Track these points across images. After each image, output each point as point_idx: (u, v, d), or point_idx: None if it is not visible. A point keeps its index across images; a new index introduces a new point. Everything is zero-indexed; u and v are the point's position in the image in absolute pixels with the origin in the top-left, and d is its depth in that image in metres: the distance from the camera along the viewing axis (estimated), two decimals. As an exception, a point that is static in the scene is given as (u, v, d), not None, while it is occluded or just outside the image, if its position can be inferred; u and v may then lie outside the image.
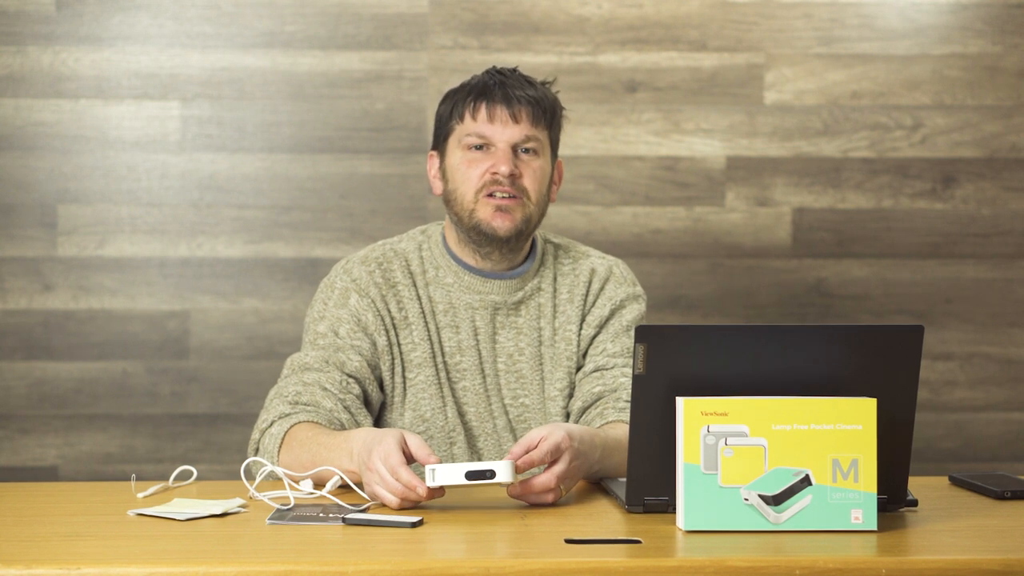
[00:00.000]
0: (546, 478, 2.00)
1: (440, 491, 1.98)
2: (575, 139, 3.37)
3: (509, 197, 2.32)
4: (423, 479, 1.96)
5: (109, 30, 3.32)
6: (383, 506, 2.00)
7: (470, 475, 1.94)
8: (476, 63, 3.32)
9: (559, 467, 2.01)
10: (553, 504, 2.02)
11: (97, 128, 3.33)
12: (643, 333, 1.90)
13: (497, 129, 2.33)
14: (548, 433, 2.02)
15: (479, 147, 2.34)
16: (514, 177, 2.32)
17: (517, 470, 1.97)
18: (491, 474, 1.94)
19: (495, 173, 2.32)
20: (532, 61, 3.33)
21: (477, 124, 2.34)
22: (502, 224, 2.33)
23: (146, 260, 3.34)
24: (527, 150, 2.34)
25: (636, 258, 3.37)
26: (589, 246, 2.57)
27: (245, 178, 3.35)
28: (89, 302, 3.34)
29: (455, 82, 2.44)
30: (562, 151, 3.35)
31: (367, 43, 3.35)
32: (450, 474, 1.94)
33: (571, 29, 3.37)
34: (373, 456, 1.99)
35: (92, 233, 3.33)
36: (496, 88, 2.35)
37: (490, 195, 2.32)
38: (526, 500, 2.01)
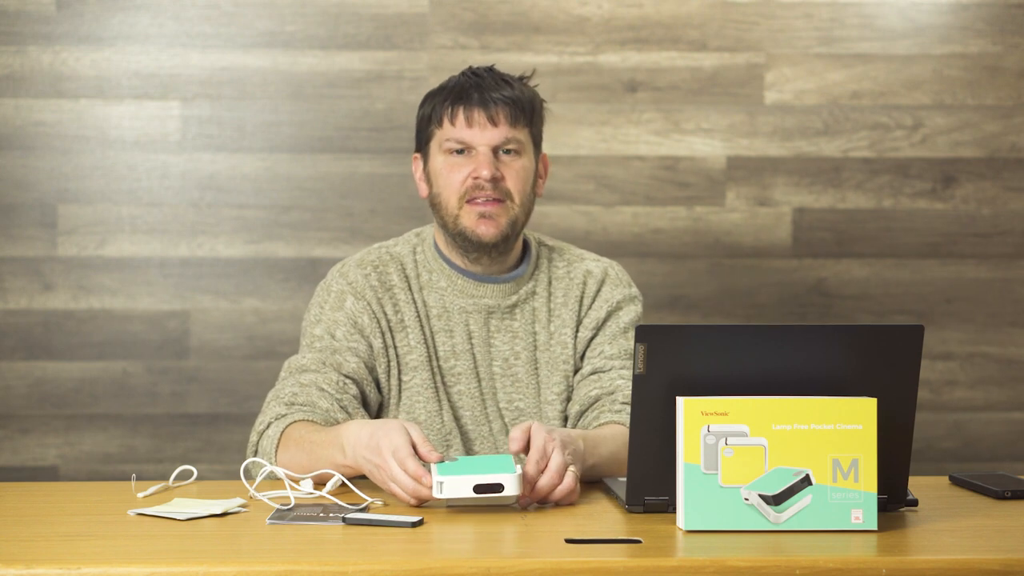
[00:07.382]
0: (554, 478, 1.99)
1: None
2: (575, 139, 3.37)
3: (492, 201, 2.32)
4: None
5: (109, 30, 3.32)
6: (384, 505, 2.00)
7: (478, 488, 1.93)
8: (476, 63, 3.29)
9: (556, 459, 2.01)
10: (560, 504, 2.02)
11: (97, 128, 3.33)
12: (643, 333, 1.90)
13: (476, 133, 2.32)
14: (529, 432, 2.02)
15: (460, 151, 2.33)
16: (496, 180, 2.31)
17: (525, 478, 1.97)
18: (500, 488, 1.93)
19: (477, 178, 2.31)
20: (532, 61, 3.33)
21: (456, 129, 2.33)
22: (487, 231, 2.32)
23: (146, 260, 3.34)
24: (508, 151, 2.33)
25: (636, 258, 3.37)
26: (587, 247, 2.57)
27: (245, 178, 3.35)
28: (89, 302, 3.34)
29: (455, 82, 2.47)
30: (562, 151, 3.38)
31: (367, 43, 3.35)
32: (457, 487, 1.93)
33: (571, 29, 3.37)
34: (383, 450, 1.99)
35: (92, 233, 3.33)
36: (473, 91, 2.34)
37: (473, 201, 2.32)
38: (550, 500, 2.01)
